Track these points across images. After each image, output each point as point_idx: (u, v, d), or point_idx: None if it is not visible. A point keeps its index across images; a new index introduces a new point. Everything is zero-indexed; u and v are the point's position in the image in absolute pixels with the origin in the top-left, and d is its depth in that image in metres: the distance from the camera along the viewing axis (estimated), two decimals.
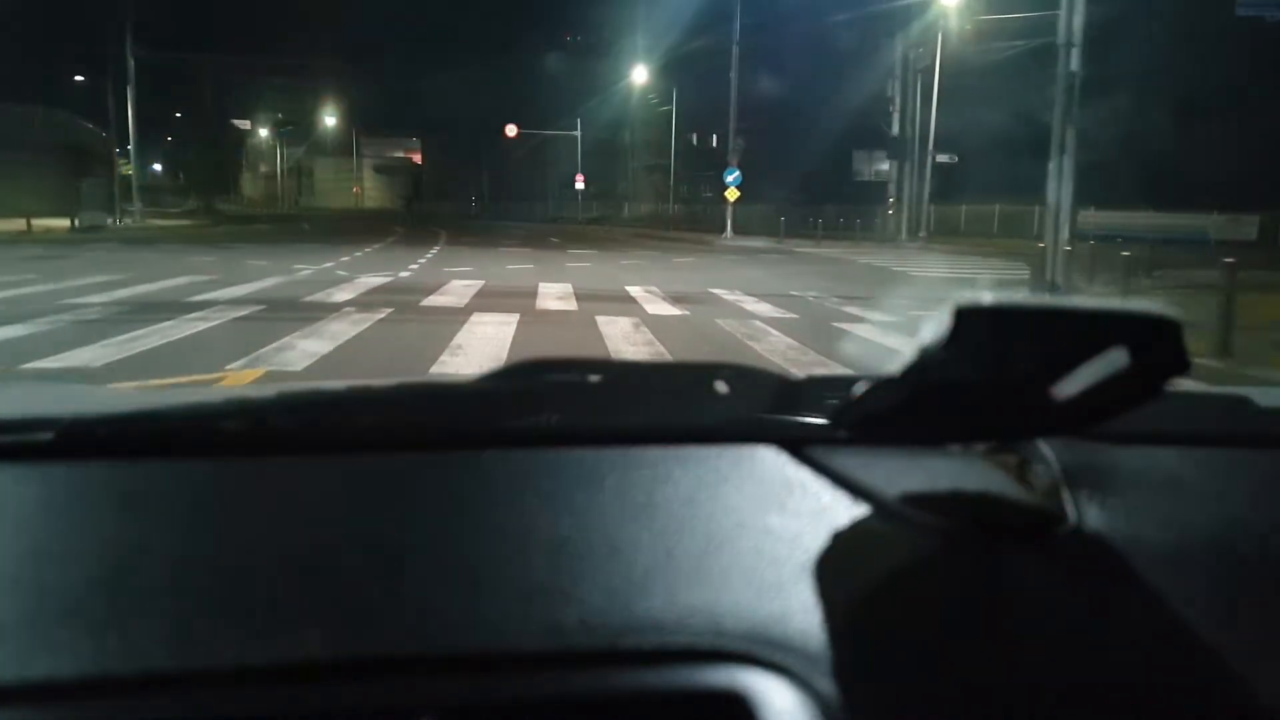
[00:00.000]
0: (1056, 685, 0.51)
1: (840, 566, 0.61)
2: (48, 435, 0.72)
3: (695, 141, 53.57)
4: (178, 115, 47.56)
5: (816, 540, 0.63)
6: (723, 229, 29.16)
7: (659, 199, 49.38)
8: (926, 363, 0.52)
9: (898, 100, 28.76)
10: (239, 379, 5.30)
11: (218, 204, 46.86)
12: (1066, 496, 0.68)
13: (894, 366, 0.55)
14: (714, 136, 63.39)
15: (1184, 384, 0.59)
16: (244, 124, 60.58)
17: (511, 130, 49.81)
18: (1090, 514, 0.67)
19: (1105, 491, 0.71)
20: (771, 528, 0.65)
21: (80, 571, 0.58)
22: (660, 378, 0.85)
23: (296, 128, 75.68)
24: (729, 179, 28.10)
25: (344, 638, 0.52)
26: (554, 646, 0.52)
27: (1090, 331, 0.51)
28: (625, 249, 22.85)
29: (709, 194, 51.35)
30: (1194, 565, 0.64)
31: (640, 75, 44.56)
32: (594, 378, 0.80)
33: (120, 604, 0.54)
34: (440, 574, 0.59)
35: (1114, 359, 0.51)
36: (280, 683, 0.49)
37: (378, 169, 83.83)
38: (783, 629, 0.54)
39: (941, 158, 28.56)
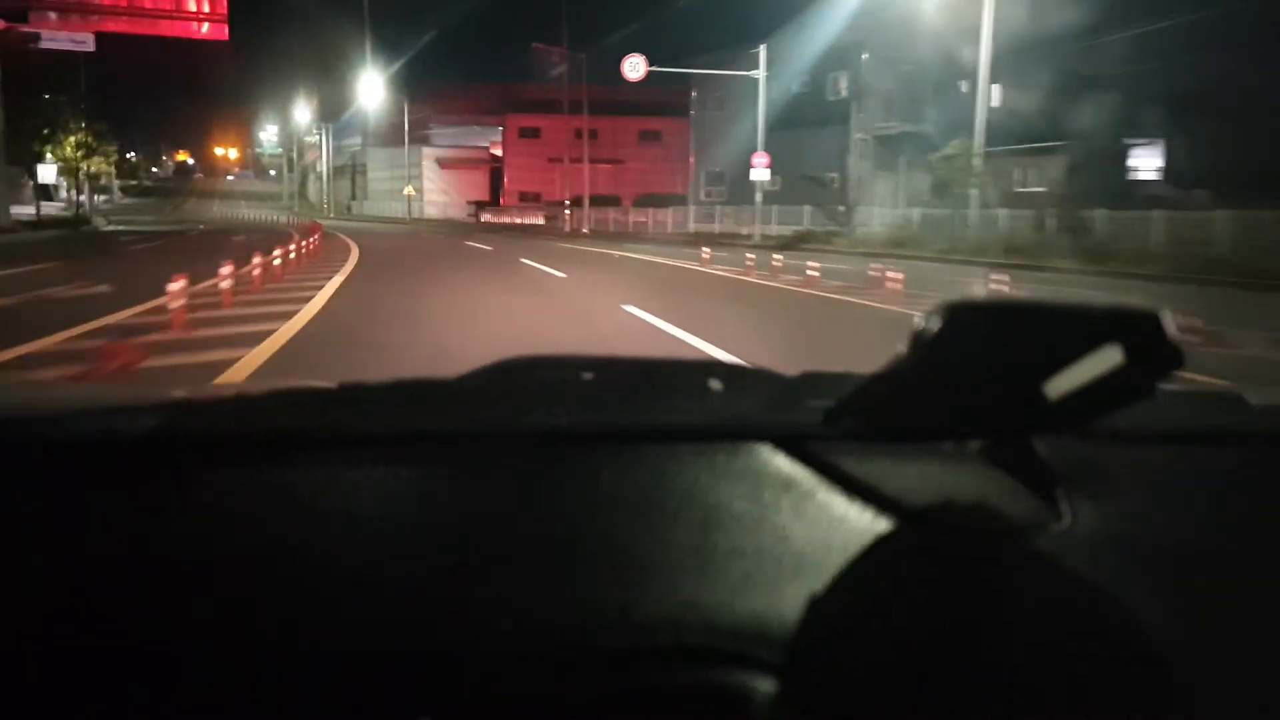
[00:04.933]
0: (1050, 682, 0.51)
1: (835, 564, 0.62)
2: (41, 436, 0.72)
3: (966, 90, 29.09)
4: None
5: (811, 538, 0.64)
6: None
7: (941, 198, 24.42)
8: (920, 360, 0.52)
9: None
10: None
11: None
12: (1059, 494, 0.68)
13: (888, 364, 0.55)
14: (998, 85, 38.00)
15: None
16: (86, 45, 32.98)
17: (637, 69, 26.65)
18: (1083, 511, 0.67)
19: (1098, 488, 0.71)
20: (766, 525, 0.65)
21: (66, 574, 0.58)
22: (654, 375, 0.81)
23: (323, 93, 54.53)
24: None
25: (340, 638, 0.53)
26: (548, 646, 0.53)
27: (1082, 328, 0.51)
28: None
29: (1038, 186, 26.78)
30: (1188, 562, 0.63)
31: None
32: (588, 375, 0.79)
33: (115, 604, 0.55)
34: (435, 573, 0.59)
35: (1107, 356, 0.51)
36: (278, 683, 0.50)
37: (443, 164, 61.90)
38: (777, 626, 0.55)
39: None
